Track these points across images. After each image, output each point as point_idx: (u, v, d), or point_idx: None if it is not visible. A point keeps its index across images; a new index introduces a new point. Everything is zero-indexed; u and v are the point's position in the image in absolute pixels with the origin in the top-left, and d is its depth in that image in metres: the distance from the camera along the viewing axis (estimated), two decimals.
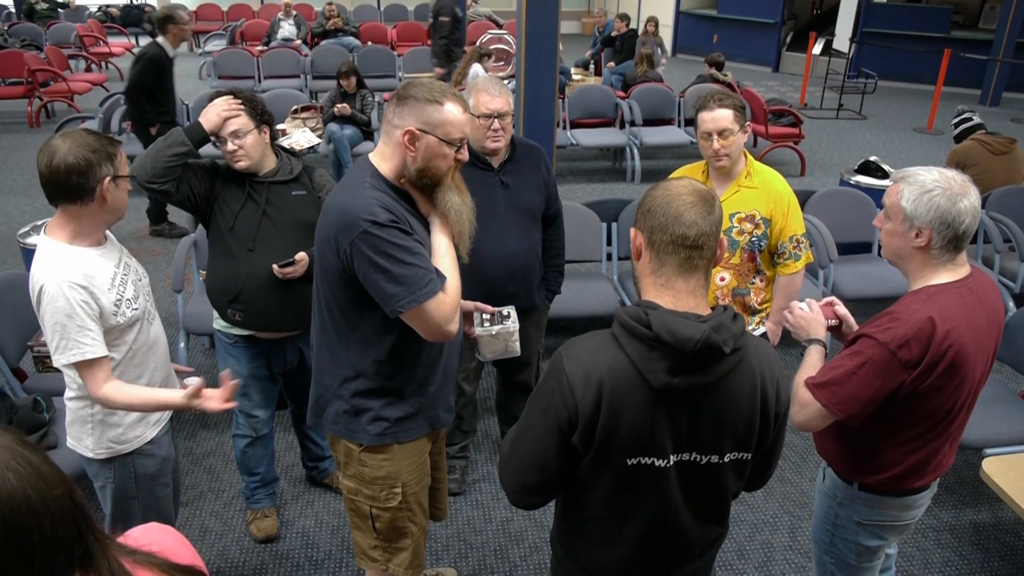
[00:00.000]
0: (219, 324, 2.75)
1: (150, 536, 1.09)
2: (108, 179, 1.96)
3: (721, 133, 2.59)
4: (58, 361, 1.97)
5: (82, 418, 2.14)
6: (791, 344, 4.56)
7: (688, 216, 1.38)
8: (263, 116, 2.56)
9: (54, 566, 0.87)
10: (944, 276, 1.84)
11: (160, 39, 5.56)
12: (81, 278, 1.96)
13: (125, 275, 2.12)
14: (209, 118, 2.46)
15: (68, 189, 1.95)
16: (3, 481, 0.84)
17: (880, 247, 1.92)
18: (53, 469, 0.90)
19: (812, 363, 1.98)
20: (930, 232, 1.78)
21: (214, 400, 2.07)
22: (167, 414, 2.30)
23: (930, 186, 1.78)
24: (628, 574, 1.57)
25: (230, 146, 2.50)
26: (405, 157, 1.86)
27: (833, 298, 2.10)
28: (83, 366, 1.97)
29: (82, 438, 2.16)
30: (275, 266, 2.51)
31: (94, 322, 1.96)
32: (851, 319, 2.09)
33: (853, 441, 1.96)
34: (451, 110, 1.84)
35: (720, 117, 2.59)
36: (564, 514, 1.62)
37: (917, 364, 1.77)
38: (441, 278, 1.86)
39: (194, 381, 2.20)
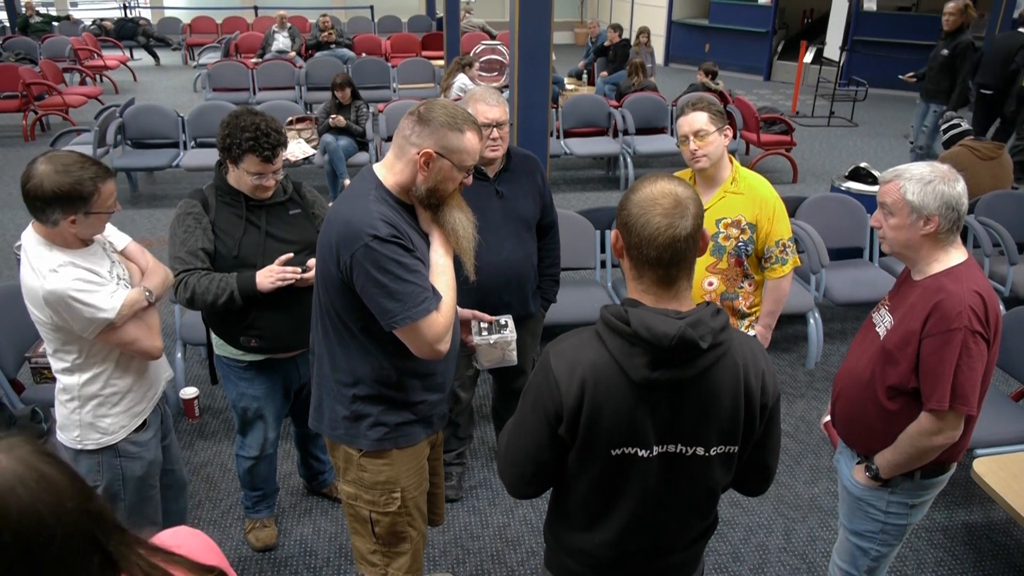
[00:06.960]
0: (227, 351, 2.65)
1: (179, 539, 1.10)
2: (70, 220, 2.01)
3: (696, 134, 2.64)
4: (89, 332, 2.05)
5: (73, 422, 2.22)
6: (783, 349, 4.60)
7: (662, 237, 1.37)
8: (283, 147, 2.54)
9: None
10: (957, 255, 1.98)
11: None
12: (66, 263, 2.06)
13: (108, 274, 2.16)
14: (264, 286, 2.43)
15: (34, 212, 2.06)
16: (12, 496, 0.83)
17: (867, 247, 1.95)
18: (69, 479, 0.89)
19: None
20: (938, 218, 1.92)
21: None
22: (148, 408, 2.33)
23: (928, 177, 1.93)
24: (612, 562, 1.61)
25: (270, 181, 2.48)
26: (416, 176, 1.88)
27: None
28: (108, 330, 2.06)
29: (69, 429, 2.24)
30: (280, 270, 2.45)
31: (96, 281, 2.04)
32: None
33: None
34: (470, 139, 1.88)
35: (694, 119, 2.65)
36: (553, 503, 1.68)
37: (986, 335, 1.91)
38: (437, 297, 1.88)
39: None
